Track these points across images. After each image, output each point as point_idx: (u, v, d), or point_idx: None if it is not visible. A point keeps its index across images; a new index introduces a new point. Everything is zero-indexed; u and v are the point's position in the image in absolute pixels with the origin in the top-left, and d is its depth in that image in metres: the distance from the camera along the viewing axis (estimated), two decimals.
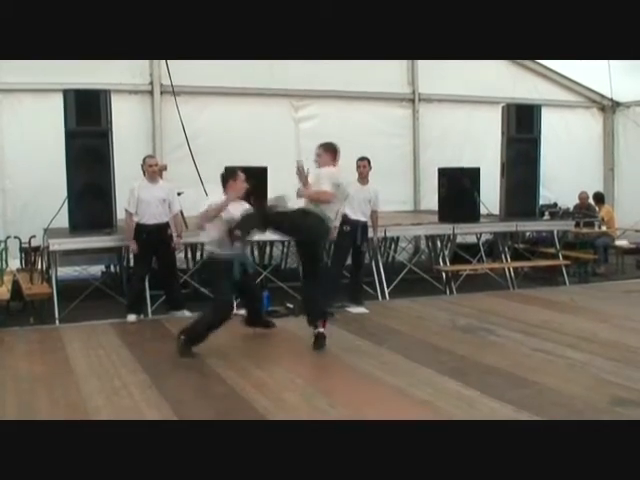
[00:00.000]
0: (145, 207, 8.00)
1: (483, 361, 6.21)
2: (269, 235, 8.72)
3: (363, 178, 8.62)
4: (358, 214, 8.49)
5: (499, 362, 6.14)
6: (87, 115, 8.37)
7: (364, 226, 8.57)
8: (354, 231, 8.42)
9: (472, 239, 11.25)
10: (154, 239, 7.99)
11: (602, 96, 14.34)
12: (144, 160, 8.30)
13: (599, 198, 12.32)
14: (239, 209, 6.60)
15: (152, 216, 8.02)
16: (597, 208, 12.22)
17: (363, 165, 8.64)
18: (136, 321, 7.90)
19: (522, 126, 10.30)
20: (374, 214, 8.72)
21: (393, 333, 7.33)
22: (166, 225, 8.14)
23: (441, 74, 12.47)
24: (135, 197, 7.96)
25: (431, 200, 11.70)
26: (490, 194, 10.68)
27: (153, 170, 8.13)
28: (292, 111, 12.01)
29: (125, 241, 8.21)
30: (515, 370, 5.89)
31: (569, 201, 12.19)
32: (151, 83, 10.97)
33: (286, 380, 5.67)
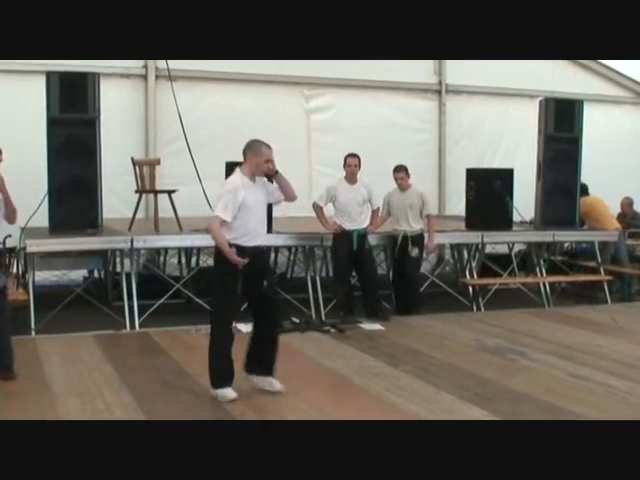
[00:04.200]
0: None
1: (512, 387, 6.16)
2: (274, 240, 8.78)
3: (352, 176, 8.64)
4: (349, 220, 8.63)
5: (530, 388, 6.09)
6: (72, 101, 8.38)
7: (361, 231, 8.64)
8: (349, 238, 8.54)
9: (503, 249, 11.22)
10: None
11: None
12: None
13: (582, 190, 11.32)
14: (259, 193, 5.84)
15: None
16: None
17: (355, 164, 8.65)
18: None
19: (562, 123, 10.25)
20: (374, 214, 8.82)
21: (411, 353, 7.28)
22: None
23: (471, 63, 12.37)
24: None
25: (458, 204, 11.68)
26: (525, 199, 10.63)
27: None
28: (303, 101, 12.03)
29: None
30: (548, 398, 5.83)
31: (612, 209, 12.08)
32: (145, 66, 11.01)
33: (290, 404, 5.63)
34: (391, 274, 9.42)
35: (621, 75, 14.00)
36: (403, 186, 8.98)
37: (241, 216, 5.56)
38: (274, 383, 5.82)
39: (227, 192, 5.59)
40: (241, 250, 5.56)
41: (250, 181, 5.69)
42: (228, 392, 5.64)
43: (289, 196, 6.06)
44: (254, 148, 5.76)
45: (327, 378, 6.43)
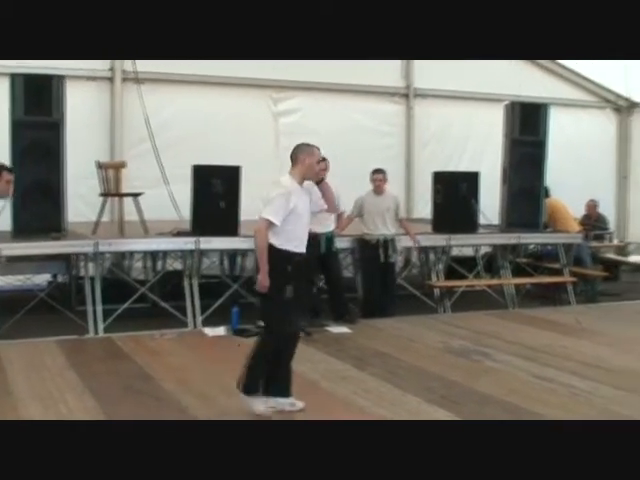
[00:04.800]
0: None
1: (477, 388, 6.19)
2: (241, 244, 8.77)
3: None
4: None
5: (495, 390, 6.13)
6: (37, 103, 8.26)
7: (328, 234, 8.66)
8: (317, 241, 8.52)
9: (469, 252, 11.26)
10: None
11: (617, 95, 14.50)
12: None
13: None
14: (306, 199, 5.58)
15: None
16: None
17: (322, 167, 8.61)
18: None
19: (527, 127, 10.32)
20: (340, 217, 8.85)
21: (378, 356, 7.28)
22: None
23: (439, 67, 12.45)
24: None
25: (425, 207, 11.72)
26: (491, 202, 10.69)
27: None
28: (271, 104, 12.00)
29: None
30: (512, 399, 5.87)
31: (577, 211, 12.20)
32: (111, 69, 10.92)
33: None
34: (359, 277, 9.42)
35: (587, 79, 14.16)
36: (380, 189, 9.00)
37: (289, 222, 5.31)
38: (296, 402, 5.62)
39: (280, 195, 5.30)
40: (289, 256, 5.34)
41: (299, 186, 5.46)
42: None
43: (331, 206, 5.91)
44: (307, 149, 5.54)
45: (294, 382, 6.39)
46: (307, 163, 5.46)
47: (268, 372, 5.53)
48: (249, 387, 5.46)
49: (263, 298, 5.52)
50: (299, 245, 5.42)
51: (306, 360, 6.99)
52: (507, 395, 5.98)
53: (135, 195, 8.85)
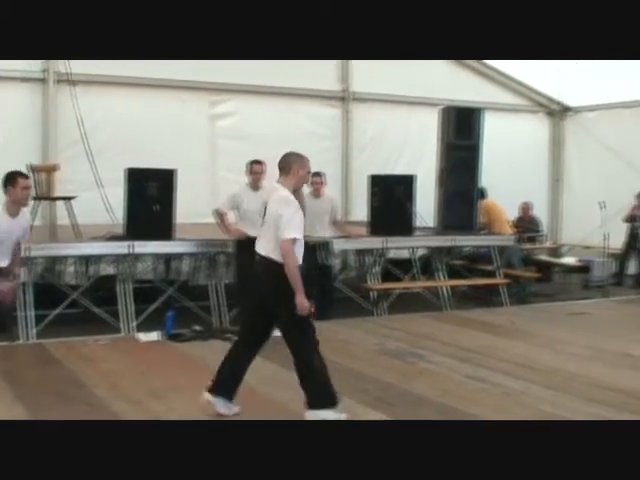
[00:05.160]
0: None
1: (411, 390, 6.25)
2: (176, 247, 8.70)
3: (256, 182, 8.63)
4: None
5: (429, 391, 6.20)
6: None
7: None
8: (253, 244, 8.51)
9: (406, 254, 11.34)
10: None
11: (550, 100, 14.76)
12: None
13: (480, 193, 11.49)
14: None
15: None
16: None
17: (260, 170, 8.62)
18: None
19: (462, 131, 10.49)
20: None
21: None
22: None
23: (376, 72, 12.55)
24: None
25: (363, 210, 11.73)
26: (427, 205, 10.81)
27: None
28: (208, 107, 11.90)
29: None
30: (446, 400, 5.94)
31: (511, 213, 12.40)
32: (45, 70, 10.69)
33: (190, 415, 5.54)
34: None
35: (520, 84, 14.39)
36: (319, 192, 9.05)
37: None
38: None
39: (297, 210, 5.23)
40: (300, 269, 5.27)
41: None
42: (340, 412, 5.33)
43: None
44: (299, 159, 5.51)
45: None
46: (300, 174, 5.45)
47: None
48: (332, 398, 5.37)
49: (289, 308, 5.27)
50: (301, 257, 5.38)
51: None
52: (441, 396, 6.05)
53: (68, 199, 8.71)
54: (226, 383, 5.54)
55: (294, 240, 5.18)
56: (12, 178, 6.40)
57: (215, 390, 5.51)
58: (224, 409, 5.46)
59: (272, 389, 6.23)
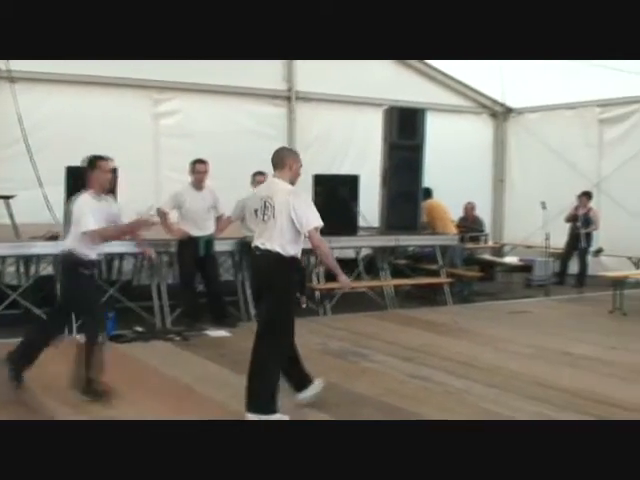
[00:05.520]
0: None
1: (354, 389, 6.26)
2: (118, 247, 8.57)
3: (200, 182, 8.58)
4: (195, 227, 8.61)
5: (371, 390, 6.22)
6: None
7: (207, 237, 8.66)
8: (195, 244, 8.51)
9: (351, 254, 11.37)
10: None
11: (494, 101, 14.94)
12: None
13: (427, 193, 11.71)
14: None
15: None
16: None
17: (204, 170, 8.59)
18: None
19: (405, 131, 10.53)
20: (220, 219, 8.84)
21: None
22: None
23: (321, 71, 12.54)
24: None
25: None
26: (372, 205, 10.84)
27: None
28: (151, 105, 11.76)
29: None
30: (388, 399, 5.96)
31: (455, 213, 12.51)
32: None
33: (127, 416, 5.45)
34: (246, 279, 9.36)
35: (464, 85, 14.54)
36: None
37: None
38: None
39: (307, 198, 5.54)
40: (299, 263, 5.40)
41: None
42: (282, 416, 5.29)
43: None
44: (294, 155, 5.60)
45: (168, 388, 6.28)
46: (294, 169, 5.51)
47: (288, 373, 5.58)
48: (272, 405, 5.29)
49: (279, 304, 5.42)
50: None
51: (182, 365, 6.96)
52: (384, 395, 6.07)
53: (6, 197, 8.52)
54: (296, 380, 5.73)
55: (317, 228, 5.30)
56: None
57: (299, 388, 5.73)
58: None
59: (209, 388, 6.21)
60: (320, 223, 5.32)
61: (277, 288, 5.35)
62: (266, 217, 5.34)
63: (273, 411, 5.26)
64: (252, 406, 5.27)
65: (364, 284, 10.68)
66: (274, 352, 5.41)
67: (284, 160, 5.50)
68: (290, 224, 5.25)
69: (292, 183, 5.50)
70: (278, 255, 5.28)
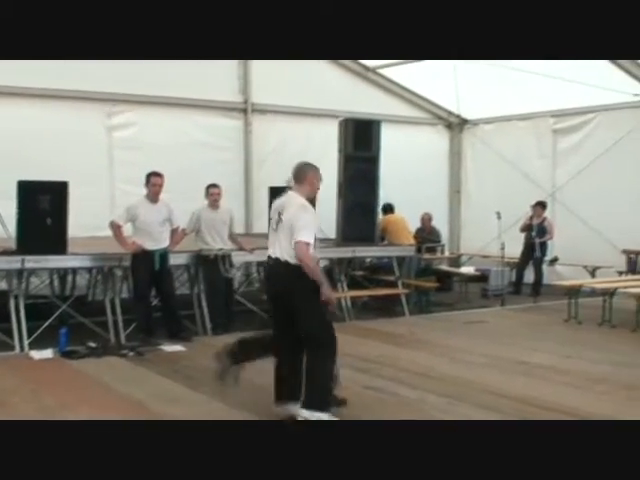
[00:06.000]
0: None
1: None
2: (70, 262, 8.48)
3: (156, 195, 8.53)
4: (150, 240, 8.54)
5: None
6: None
7: (162, 251, 8.60)
8: (150, 258, 8.46)
9: None
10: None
11: (449, 112, 15.08)
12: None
13: (388, 208, 12.01)
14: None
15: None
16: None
17: (159, 183, 8.53)
18: None
19: (360, 143, 10.54)
20: (174, 232, 8.79)
21: (211, 374, 7.11)
22: None
23: (277, 83, 12.63)
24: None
25: (266, 222, 11.70)
26: (328, 216, 10.82)
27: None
28: (105, 118, 11.67)
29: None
30: (343, 411, 5.89)
31: (412, 224, 12.55)
32: None
33: None
34: (201, 294, 9.29)
35: (420, 97, 14.66)
36: (217, 203, 8.99)
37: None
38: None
39: (313, 217, 5.56)
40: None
41: None
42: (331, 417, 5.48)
43: None
44: (314, 169, 5.77)
45: (120, 404, 6.18)
46: (314, 183, 5.73)
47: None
48: (325, 404, 5.51)
49: (309, 314, 5.52)
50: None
51: (136, 381, 6.86)
52: (339, 408, 6.02)
53: None
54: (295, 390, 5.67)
55: (307, 244, 5.37)
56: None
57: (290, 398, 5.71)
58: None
59: (161, 404, 6.12)
60: (308, 240, 5.38)
61: (297, 296, 5.50)
62: (277, 227, 5.60)
63: (327, 410, 5.47)
64: (307, 404, 5.47)
65: None
66: (325, 362, 5.60)
67: (306, 175, 5.73)
68: (291, 235, 5.46)
69: (309, 197, 5.71)
70: (287, 263, 5.48)
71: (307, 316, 5.53)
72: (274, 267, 5.63)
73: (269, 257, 5.69)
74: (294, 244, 5.38)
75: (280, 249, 5.54)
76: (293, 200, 5.64)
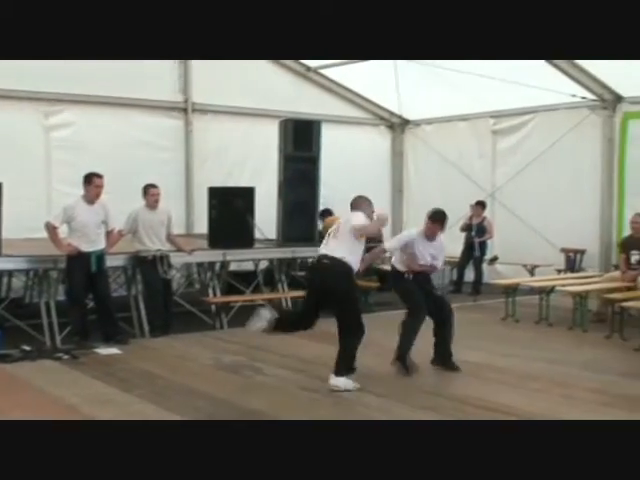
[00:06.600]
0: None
1: (245, 405, 6.18)
2: (3, 264, 8.31)
3: (96, 196, 8.45)
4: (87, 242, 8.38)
5: (262, 405, 6.15)
6: None
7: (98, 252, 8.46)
8: (87, 259, 8.30)
9: (251, 266, 11.30)
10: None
11: (391, 113, 15.13)
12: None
13: (326, 213, 12.14)
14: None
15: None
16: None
17: (102, 184, 8.40)
18: None
19: (300, 143, 10.54)
20: (110, 234, 8.67)
21: (147, 377, 7.10)
22: None
23: (218, 83, 12.57)
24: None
25: (206, 223, 11.62)
26: (272, 217, 10.81)
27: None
28: (42, 118, 11.46)
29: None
30: (279, 413, 5.90)
31: None
32: None
33: None
34: (139, 296, 9.18)
35: (362, 98, 14.71)
36: (157, 203, 8.89)
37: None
38: None
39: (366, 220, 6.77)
40: None
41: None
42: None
43: None
44: (369, 204, 6.96)
45: (53, 408, 6.08)
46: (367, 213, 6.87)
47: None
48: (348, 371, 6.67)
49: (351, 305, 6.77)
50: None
51: (68, 384, 6.77)
52: (274, 409, 6.01)
53: None
54: None
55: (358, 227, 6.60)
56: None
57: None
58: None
59: (93, 408, 6.04)
60: (361, 224, 6.63)
61: (345, 286, 6.64)
62: (335, 235, 6.78)
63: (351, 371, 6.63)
64: (336, 372, 6.59)
65: (261, 297, 10.60)
66: (355, 342, 6.71)
67: (360, 206, 6.90)
68: (349, 235, 6.66)
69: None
70: (340, 261, 6.60)
71: (347, 311, 6.67)
72: (328, 263, 6.67)
73: (324, 255, 6.74)
74: (353, 230, 6.59)
75: (333, 250, 6.67)
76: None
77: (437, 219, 7.48)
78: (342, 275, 6.58)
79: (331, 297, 6.65)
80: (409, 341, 7.30)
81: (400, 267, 7.51)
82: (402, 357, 7.25)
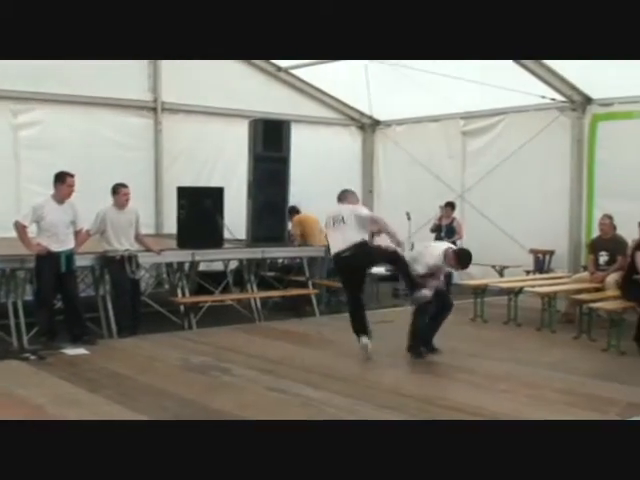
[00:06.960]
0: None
1: (212, 405, 6.17)
2: None
3: (67, 196, 8.39)
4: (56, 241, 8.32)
5: (229, 405, 6.14)
6: None
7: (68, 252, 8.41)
8: (56, 259, 8.25)
9: (220, 267, 11.29)
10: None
11: (361, 114, 15.19)
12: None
13: (293, 211, 12.22)
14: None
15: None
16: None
17: (73, 183, 8.37)
18: None
19: (270, 143, 10.55)
20: (79, 234, 8.64)
21: (114, 378, 7.07)
22: None
23: (188, 83, 12.53)
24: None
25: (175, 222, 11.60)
26: (242, 217, 10.81)
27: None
28: (10, 116, 11.37)
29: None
30: (246, 414, 5.89)
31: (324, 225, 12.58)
32: None
33: None
34: (109, 296, 9.13)
35: (333, 98, 14.76)
36: (127, 203, 8.87)
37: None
38: None
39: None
40: None
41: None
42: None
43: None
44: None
45: (19, 408, 6.03)
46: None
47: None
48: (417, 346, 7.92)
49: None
50: None
51: (35, 385, 6.73)
52: (241, 410, 6.00)
53: None
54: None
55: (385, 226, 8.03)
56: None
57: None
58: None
59: (60, 408, 6.01)
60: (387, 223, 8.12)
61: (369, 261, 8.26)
62: (343, 225, 7.85)
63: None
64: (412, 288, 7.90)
65: (230, 297, 10.62)
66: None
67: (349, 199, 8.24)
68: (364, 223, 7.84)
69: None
70: (365, 242, 7.78)
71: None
72: (358, 247, 7.65)
73: (350, 243, 7.64)
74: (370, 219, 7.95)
75: (353, 237, 7.68)
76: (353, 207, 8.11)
77: (466, 265, 8.24)
78: (368, 253, 7.79)
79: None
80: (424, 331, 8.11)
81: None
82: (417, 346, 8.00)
